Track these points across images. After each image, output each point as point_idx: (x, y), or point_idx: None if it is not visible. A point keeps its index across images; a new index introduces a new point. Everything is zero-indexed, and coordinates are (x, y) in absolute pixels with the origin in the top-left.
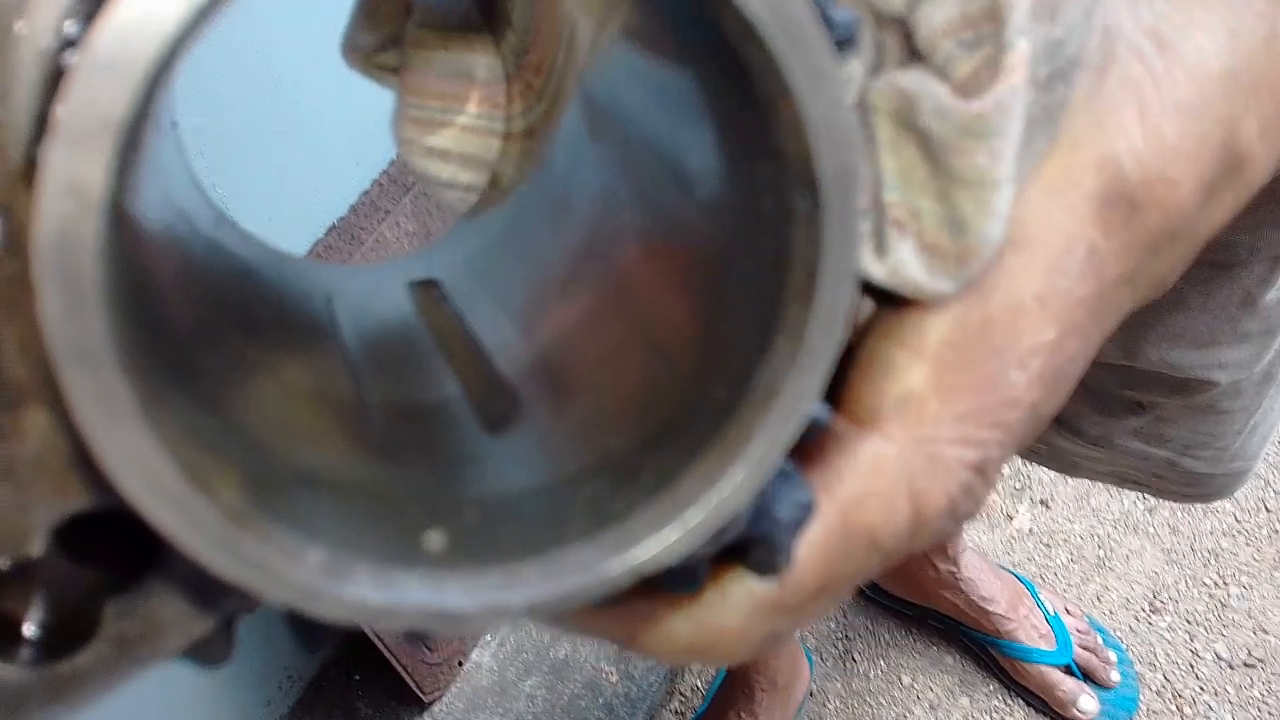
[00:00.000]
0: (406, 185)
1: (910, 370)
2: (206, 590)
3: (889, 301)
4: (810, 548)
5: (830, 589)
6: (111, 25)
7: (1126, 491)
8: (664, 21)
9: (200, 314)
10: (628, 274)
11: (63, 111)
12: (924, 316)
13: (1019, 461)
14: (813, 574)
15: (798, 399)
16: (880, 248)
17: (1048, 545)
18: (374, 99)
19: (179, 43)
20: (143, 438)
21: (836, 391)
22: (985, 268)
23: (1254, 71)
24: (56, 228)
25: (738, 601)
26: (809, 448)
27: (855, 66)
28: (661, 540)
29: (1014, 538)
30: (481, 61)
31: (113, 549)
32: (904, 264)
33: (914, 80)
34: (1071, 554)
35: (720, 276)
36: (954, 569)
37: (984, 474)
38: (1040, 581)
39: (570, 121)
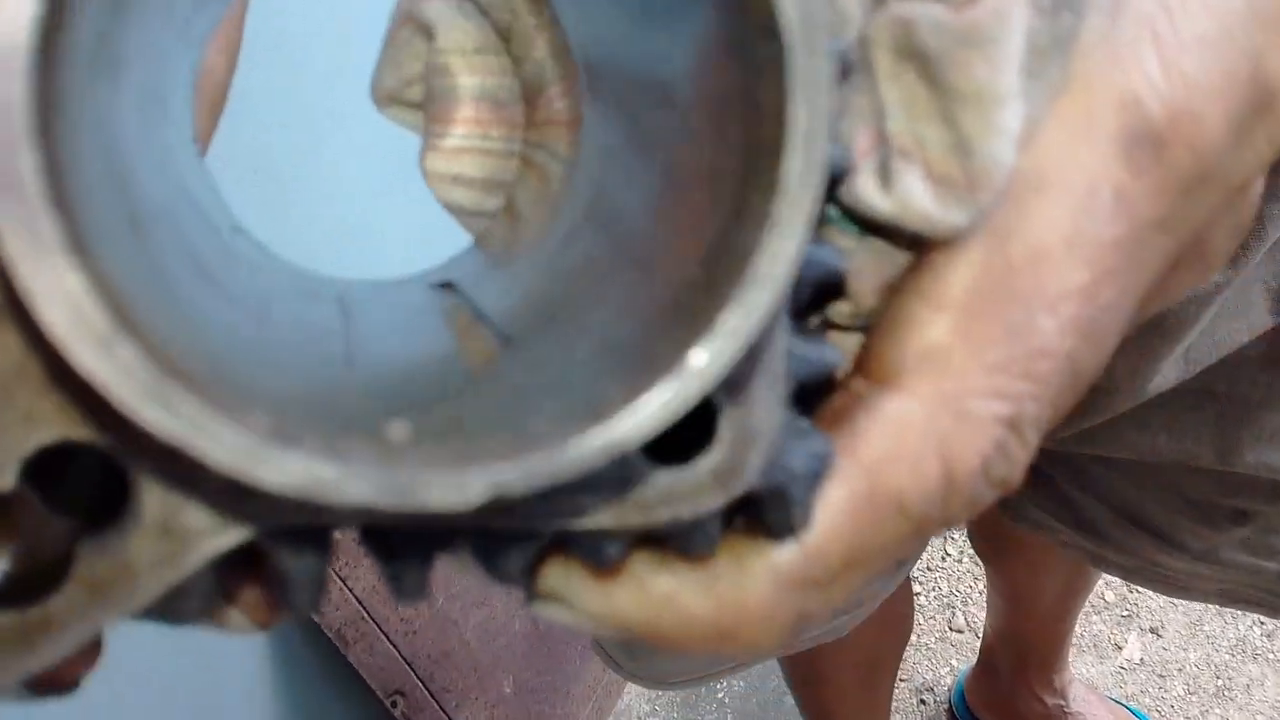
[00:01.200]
0: None
1: (932, 322)
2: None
3: (911, 249)
4: (834, 514)
5: (859, 562)
6: None
7: (1242, 615)
8: None
9: (188, 258)
10: (618, 214)
11: None
12: (944, 267)
13: (1125, 588)
14: (838, 543)
15: (774, 258)
16: (886, 181)
17: (1161, 676)
18: (424, 207)
19: None
20: (69, 270)
21: (858, 354)
22: (999, 198)
23: (1275, 3)
24: None
25: (758, 573)
26: (830, 410)
27: (852, 5)
28: (633, 412)
29: (1125, 668)
30: (500, 82)
31: (86, 489)
32: (911, 194)
33: (911, 6)
34: (1188, 685)
35: (696, 175)
36: (1061, 702)
37: (1018, 430)
38: (1156, 715)
39: (592, 125)
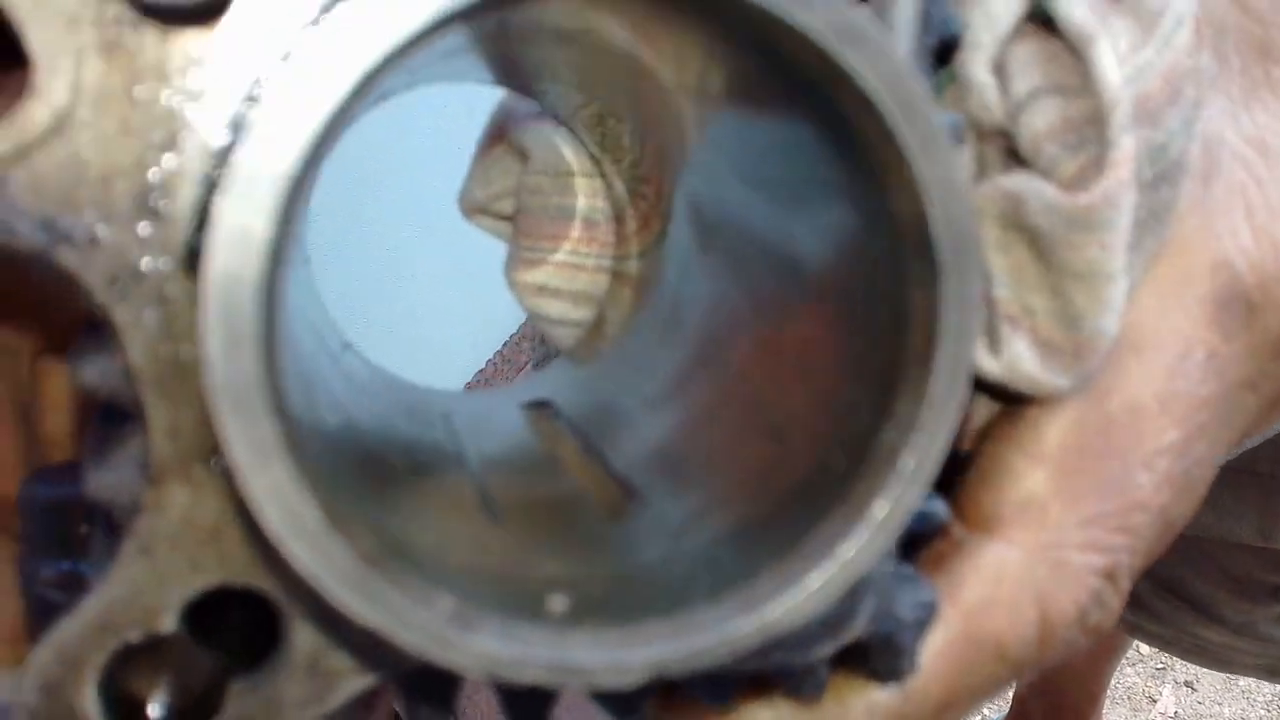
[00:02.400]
0: (519, 365)
1: (1030, 474)
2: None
3: (1007, 401)
4: (934, 657)
5: (956, 703)
6: (285, 91)
7: None
8: (763, 66)
9: (330, 410)
10: (740, 369)
11: (234, 165)
12: (1041, 420)
13: None
14: (937, 684)
15: (921, 459)
16: (994, 344)
17: None
18: (487, 284)
19: (345, 106)
20: (287, 475)
21: (955, 499)
22: (1100, 363)
23: None
24: (223, 271)
25: (859, 712)
26: (930, 554)
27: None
28: (789, 599)
29: None
30: (592, 203)
31: (239, 631)
32: (1019, 359)
33: (1020, 182)
34: None
35: (832, 356)
36: None
37: (1114, 581)
38: None
39: (678, 239)
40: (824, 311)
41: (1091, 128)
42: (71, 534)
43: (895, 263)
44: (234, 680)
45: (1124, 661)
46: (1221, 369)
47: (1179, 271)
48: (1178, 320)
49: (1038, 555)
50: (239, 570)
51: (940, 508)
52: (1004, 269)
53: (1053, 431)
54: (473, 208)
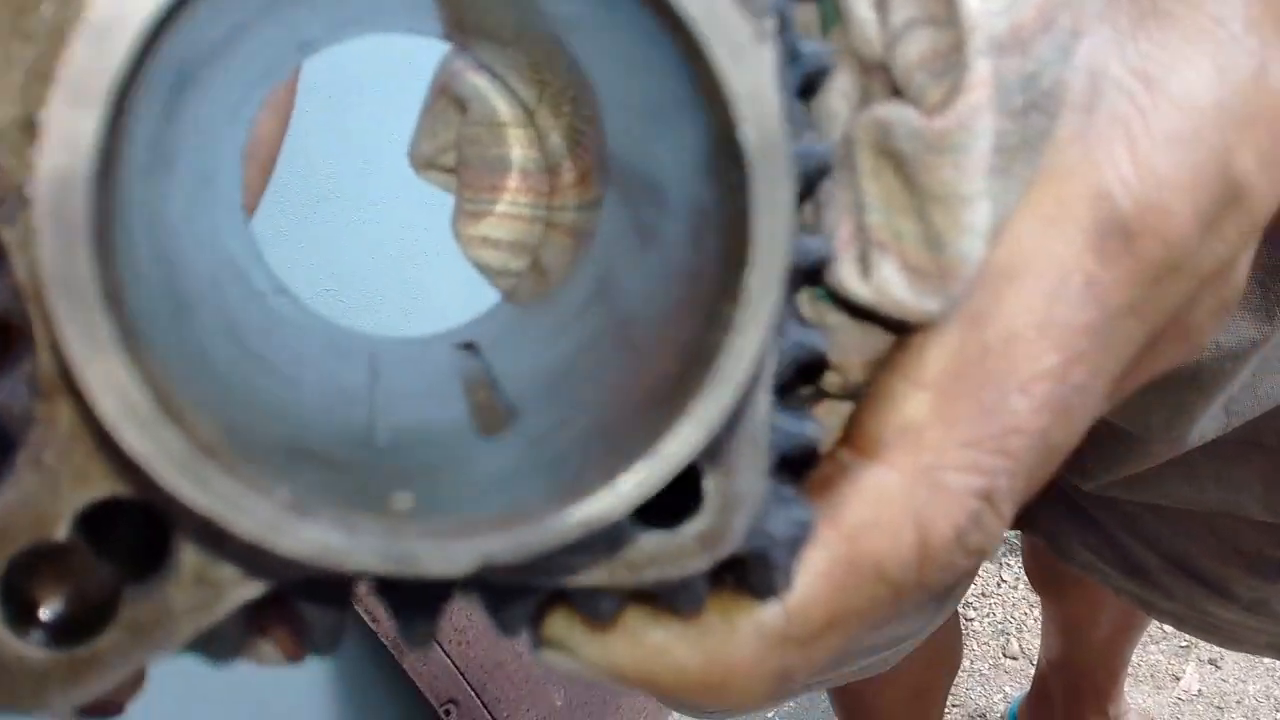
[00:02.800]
0: None
1: (911, 399)
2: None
3: (898, 332)
4: (816, 577)
5: (840, 623)
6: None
7: None
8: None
9: (227, 329)
10: (620, 295)
11: (62, 72)
12: (923, 347)
13: None
14: (820, 604)
15: (737, 357)
16: (866, 270)
17: (1219, 708)
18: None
19: (166, 13)
20: (118, 364)
21: (847, 426)
22: (970, 287)
23: (1245, 105)
24: (53, 175)
25: (745, 631)
26: (817, 478)
27: (838, 104)
28: (610, 492)
29: (1182, 699)
30: (526, 153)
31: (130, 539)
32: (888, 283)
33: (890, 110)
34: (1246, 717)
35: (683, 270)
36: None
37: (992, 503)
38: None
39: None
40: (680, 230)
41: (955, 54)
42: None
43: (721, 174)
44: (127, 589)
45: (1147, 639)
46: (1101, 295)
47: (1057, 200)
48: (1056, 247)
49: (916, 478)
50: (129, 482)
51: (812, 428)
52: (876, 195)
53: (933, 358)
54: (421, 161)
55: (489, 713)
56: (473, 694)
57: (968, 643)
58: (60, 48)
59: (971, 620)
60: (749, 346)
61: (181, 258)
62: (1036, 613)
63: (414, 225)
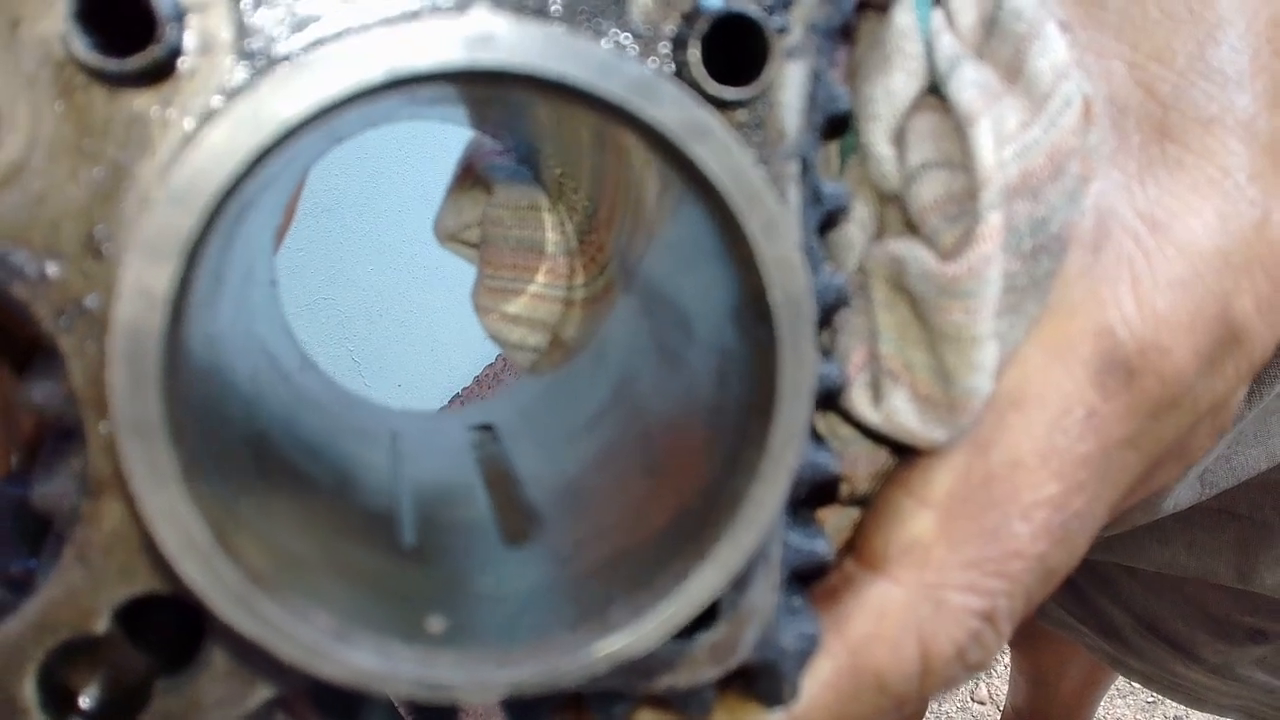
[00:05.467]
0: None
1: (917, 518)
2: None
3: (904, 452)
4: (820, 686)
5: None
6: (187, 164)
7: None
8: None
9: (264, 430)
10: (639, 407)
11: (141, 232)
12: (931, 468)
13: None
14: (822, 712)
15: (759, 505)
16: (877, 397)
17: None
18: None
19: (236, 182)
20: (181, 500)
21: (853, 538)
22: (976, 420)
23: (1246, 252)
24: (127, 322)
25: None
26: (824, 588)
27: (855, 234)
28: (635, 630)
29: None
30: (549, 238)
31: (166, 634)
32: (898, 411)
33: (904, 248)
34: None
35: (703, 406)
36: None
37: (992, 622)
38: None
39: (613, 276)
40: (705, 364)
41: (969, 201)
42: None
43: (748, 329)
44: (160, 679)
45: (1114, 693)
46: (1101, 427)
47: (1063, 334)
48: (1060, 380)
49: (920, 594)
50: (168, 580)
51: (822, 546)
52: (890, 326)
53: (940, 479)
54: (445, 235)
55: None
56: None
57: None
58: (123, 176)
59: None
60: (772, 495)
61: (229, 362)
62: (1007, 659)
63: (415, 240)
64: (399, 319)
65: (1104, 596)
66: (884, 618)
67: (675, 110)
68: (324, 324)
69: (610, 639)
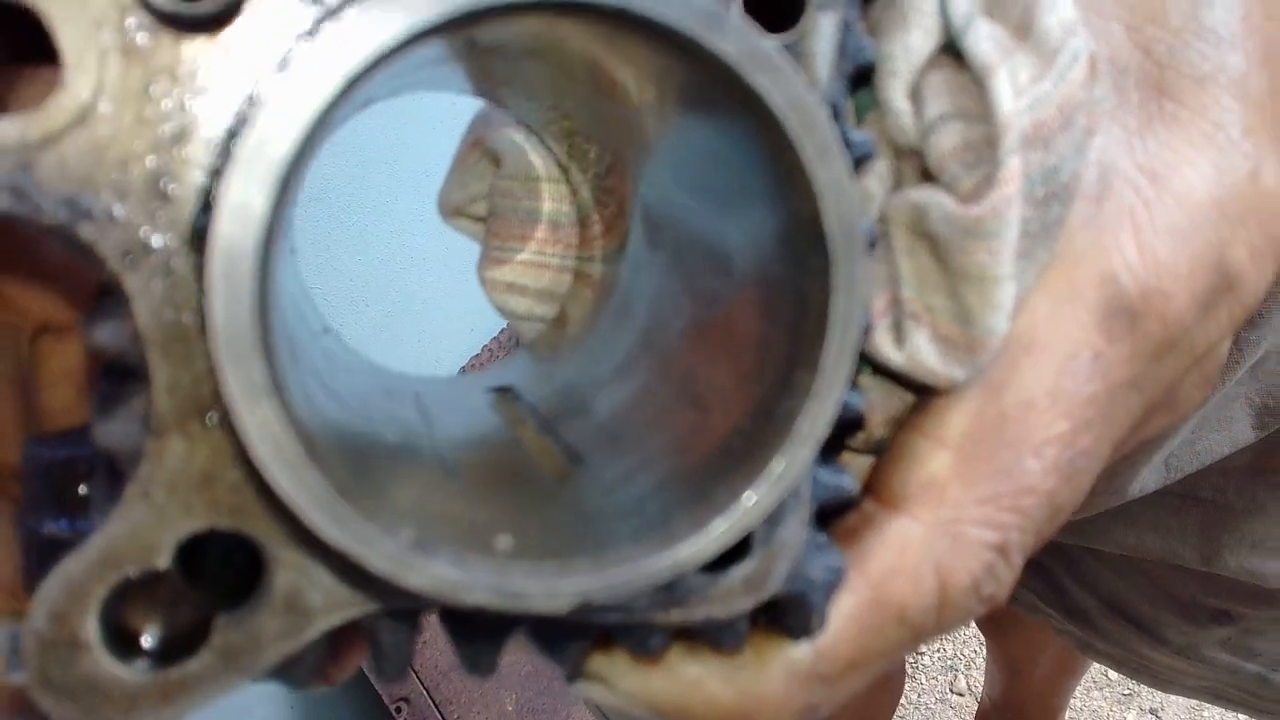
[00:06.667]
0: (512, 349)
1: (934, 457)
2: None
3: (919, 393)
4: (843, 619)
5: (863, 663)
6: (287, 84)
7: None
8: (704, 82)
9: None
10: (674, 351)
11: (240, 149)
12: (946, 410)
13: None
14: (846, 645)
15: (814, 421)
16: (899, 338)
17: None
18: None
19: (331, 104)
20: (274, 412)
21: (870, 478)
22: (994, 359)
23: (1240, 202)
24: (227, 237)
25: (776, 668)
26: (844, 527)
27: (875, 184)
28: (698, 540)
29: None
30: (558, 207)
31: (226, 571)
32: (920, 352)
33: (925, 195)
34: None
35: (750, 337)
36: None
37: (1006, 555)
38: None
39: (633, 238)
40: (746, 299)
41: (987, 149)
42: (69, 493)
43: (799, 256)
44: (219, 616)
45: (1090, 685)
46: (1106, 370)
47: (1070, 281)
48: (1067, 325)
49: (937, 530)
50: (227, 515)
51: (848, 481)
52: (910, 271)
53: (955, 420)
54: (450, 209)
55: (439, 712)
56: (424, 693)
57: (917, 676)
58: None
59: (922, 654)
60: (824, 411)
61: (283, 316)
62: (985, 651)
63: (406, 230)
64: (386, 309)
65: (1072, 579)
66: (904, 552)
67: (738, 41)
68: None
69: (677, 548)
